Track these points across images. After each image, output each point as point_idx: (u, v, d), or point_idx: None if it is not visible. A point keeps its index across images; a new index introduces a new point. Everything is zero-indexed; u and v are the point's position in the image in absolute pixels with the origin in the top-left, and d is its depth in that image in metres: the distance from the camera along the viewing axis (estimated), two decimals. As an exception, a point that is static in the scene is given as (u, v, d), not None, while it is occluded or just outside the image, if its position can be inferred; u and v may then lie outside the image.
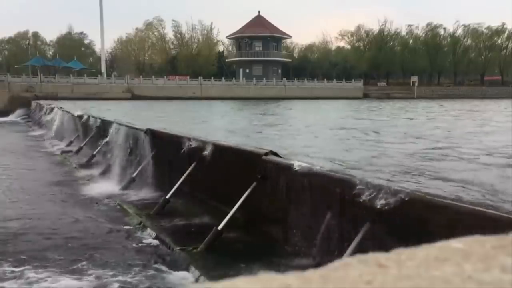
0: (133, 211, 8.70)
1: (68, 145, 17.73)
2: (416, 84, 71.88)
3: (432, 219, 4.05)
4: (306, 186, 5.72)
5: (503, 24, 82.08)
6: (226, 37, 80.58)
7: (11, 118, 37.51)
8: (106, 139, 12.88)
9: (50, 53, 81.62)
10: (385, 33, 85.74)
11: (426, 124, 20.29)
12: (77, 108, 20.61)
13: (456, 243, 0.74)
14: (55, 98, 41.36)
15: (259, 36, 72.09)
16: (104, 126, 14.07)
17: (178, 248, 6.61)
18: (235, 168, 7.42)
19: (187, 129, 13.49)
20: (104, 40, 67.79)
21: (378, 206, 4.55)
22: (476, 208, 3.81)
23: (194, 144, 8.57)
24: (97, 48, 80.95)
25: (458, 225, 3.78)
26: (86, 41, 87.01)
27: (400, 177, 6.87)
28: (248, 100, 51.29)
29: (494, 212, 3.63)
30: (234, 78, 67.14)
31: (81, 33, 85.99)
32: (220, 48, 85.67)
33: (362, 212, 4.83)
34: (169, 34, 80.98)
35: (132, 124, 11.94)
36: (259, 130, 17.10)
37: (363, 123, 19.25)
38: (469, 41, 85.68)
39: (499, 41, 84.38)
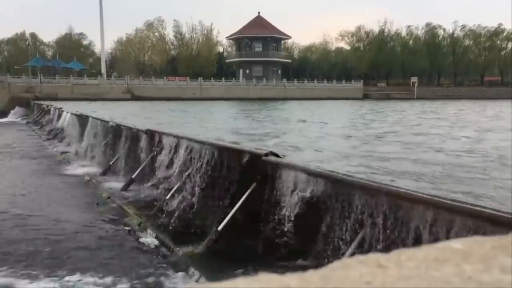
0: (133, 212, 8.70)
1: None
2: (416, 84, 71.82)
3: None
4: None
5: (500, 24, 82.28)
6: (226, 37, 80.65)
7: (10, 118, 37.49)
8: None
9: (50, 53, 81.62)
10: (385, 33, 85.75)
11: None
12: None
13: (456, 244, 0.74)
14: (55, 98, 41.34)
15: (259, 37, 72.07)
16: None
17: (178, 248, 6.61)
18: (235, 168, 7.41)
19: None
20: (104, 41, 67.81)
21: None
22: (476, 208, 3.80)
23: (194, 144, 8.57)
24: (97, 48, 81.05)
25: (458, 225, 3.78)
26: (86, 42, 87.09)
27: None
28: (248, 101, 51.38)
29: (493, 212, 3.63)
30: (234, 78, 67.10)
31: (81, 33, 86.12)
32: (220, 48, 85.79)
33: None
34: (169, 34, 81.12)
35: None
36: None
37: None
38: (467, 42, 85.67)
39: (498, 42, 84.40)
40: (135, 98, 51.43)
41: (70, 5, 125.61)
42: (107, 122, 14.15)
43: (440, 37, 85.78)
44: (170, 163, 9.69)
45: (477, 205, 3.88)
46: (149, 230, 7.56)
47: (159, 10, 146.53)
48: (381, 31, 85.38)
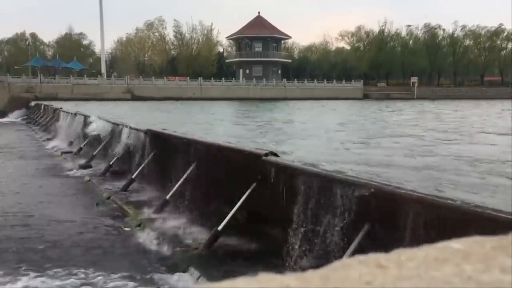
0: (133, 212, 8.70)
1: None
2: (416, 84, 71.82)
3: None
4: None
5: (500, 24, 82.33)
6: (226, 37, 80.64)
7: (10, 118, 37.48)
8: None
9: (50, 53, 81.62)
10: (385, 33, 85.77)
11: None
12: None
13: (456, 244, 0.74)
14: (55, 98, 41.36)
15: (259, 37, 72.04)
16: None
17: (178, 248, 6.61)
18: (235, 168, 7.41)
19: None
20: (104, 41, 67.78)
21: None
22: (476, 208, 3.80)
23: (194, 145, 8.58)
24: (97, 48, 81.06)
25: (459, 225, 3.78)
26: (86, 42, 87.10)
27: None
28: (248, 101, 51.40)
29: (493, 212, 3.63)
30: (234, 78, 67.11)
31: (81, 33, 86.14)
32: (220, 48, 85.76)
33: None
34: (170, 34, 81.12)
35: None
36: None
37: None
38: (467, 42, 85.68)
39: (498, 42, 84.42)
40: (135, 98, 51.41)
41: (70, 5, 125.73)
42: (108, 122, 14.17)
43: (440, 37, 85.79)
44: (169, 163, 9.69)
45: (477, 205, 3.88)
46: (149, 230, 7.55)
47: (159, 10, 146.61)
48: (381, 31, 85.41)
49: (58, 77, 54.30)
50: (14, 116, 38.33)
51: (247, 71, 70.93)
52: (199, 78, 60.85)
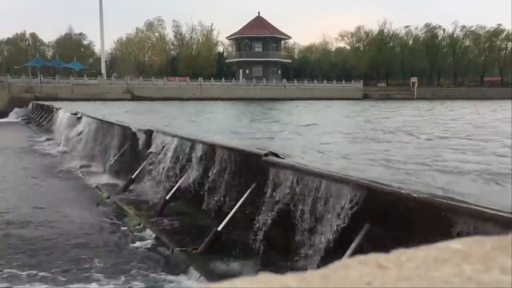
0: (133, 212, 8.70)
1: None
2: (416, 85, 71.82)
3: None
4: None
5: (499, 25, 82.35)
6: (226, 37, 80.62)
7: (10, 119, 37.45)
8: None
9: (50, 54, 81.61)
10: (385, 34, 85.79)
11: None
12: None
13: (456, 244, 0.74)
14: (55, 98, 41.36)
15: (259, 37, 72.03)
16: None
17: (178, 249, 6.61)
18: (235, 169, 7.41)
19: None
20: (104, 41, 67.72)
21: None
22: (476, 208, 3.80)
23: (194, 145, 8.57)
24: (97, 48, 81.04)
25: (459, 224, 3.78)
26: (85, 42, 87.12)
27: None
28: (248, 101, 51.38)
29: (494, 212, 3.63)
30: (234, 79, 67.10)
31: (81, 33, 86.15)
32: (220, 49, 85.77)
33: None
34: (169, 34, 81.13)
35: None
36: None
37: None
38: (467, 42, 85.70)
39: (498, 42, 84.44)
40: (135, 98, 51.41)
41: (70, 5, 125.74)
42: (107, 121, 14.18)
43: (440, 38, 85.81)
44: (169, 163, 9.69)
45: (478, 205, 3.87)
46: (148, 230, 7.55)
47: (159, 10, 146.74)
48: (381, 31, 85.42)
49: (58, 77, 54.27)
50: (14, 116, 38.29)
51: (247, 71, 70.92)
52: (199, 78, 60.84)
